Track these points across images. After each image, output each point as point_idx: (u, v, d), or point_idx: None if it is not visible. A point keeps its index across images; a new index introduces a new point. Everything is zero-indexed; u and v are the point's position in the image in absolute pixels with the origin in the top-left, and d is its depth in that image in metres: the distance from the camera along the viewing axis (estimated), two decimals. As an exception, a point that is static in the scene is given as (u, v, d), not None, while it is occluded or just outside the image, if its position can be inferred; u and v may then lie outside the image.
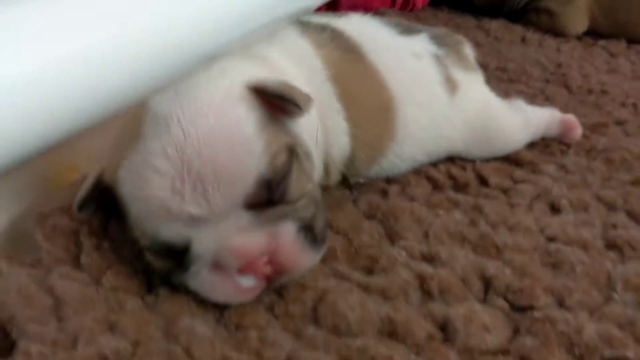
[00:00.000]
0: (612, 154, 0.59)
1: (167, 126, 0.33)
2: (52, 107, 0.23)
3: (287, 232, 0.35)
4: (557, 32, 1.08)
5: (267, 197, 0.35)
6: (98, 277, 0.36)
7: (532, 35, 1.07)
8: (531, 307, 0.37)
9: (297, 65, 0.43)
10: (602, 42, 1.04)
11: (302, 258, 0.36)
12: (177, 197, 0.32)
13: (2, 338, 0.32)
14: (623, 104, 0.75)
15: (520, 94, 0.69)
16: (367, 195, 0.49)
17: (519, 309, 0.37)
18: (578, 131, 0.61)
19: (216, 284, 0.34)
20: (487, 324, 0.35)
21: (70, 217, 0.40)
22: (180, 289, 0.36)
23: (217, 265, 0.34)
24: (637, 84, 0.83)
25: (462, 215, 0.47)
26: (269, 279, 0.35)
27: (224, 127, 0.34)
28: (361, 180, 0.51)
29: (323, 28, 0.49)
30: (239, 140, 0.34)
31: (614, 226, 0.47)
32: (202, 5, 0.31)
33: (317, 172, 0.42)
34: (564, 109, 0.64)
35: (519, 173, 0.55)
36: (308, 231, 0.36)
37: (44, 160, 0.47)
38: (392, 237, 0.44)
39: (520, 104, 0.60)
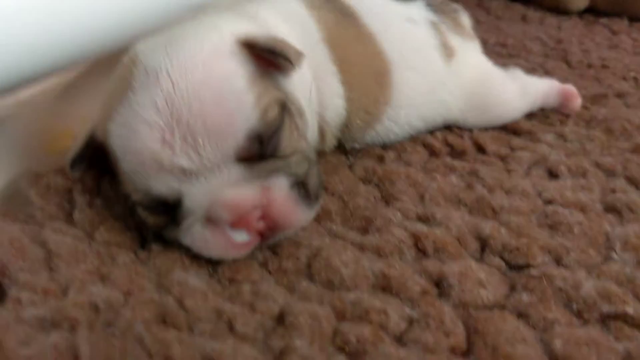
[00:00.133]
0: (612, 123, 0.58)
1: (156, 79, 0.33)
2: (35, 42, 0.23)
3: (280, 186, 0.35)
4: (558, 9, 1.07)
5: (259, 151, 0.34)
6: (91, 232, 0.36)
7: (533, 14, 1.06)
8: (528, 265, 0.37)
9: (289, 24, 0.43)
10: (603, 20, 1.03)
11: (295, 214, 0.35)
12: (168, 149, 0.32)
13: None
14: (624, 78, 0.74)
15: (519, 67, 0.68)
16: (363, 161, 0.49)
17: (516, 267, 0.37)
18: (578, 101, 0.60)
19: (209, 238, 0.34)
20: (482, 280, 0.35)
21: (64, 176, 0.40)
22: (173, 245, 0.36)
23: (210, 220, 0.34)
24: (639, 59, 0.82)
25: (458, 180, 0.47)
26: (262, 236, 0.35)
27: (213, 80, 0.33)
28: (357, 146, 0.50)
29: None
30: (228, 93, 0.33)
31: (613, 191, 0.46)
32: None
33: (311, 133, 0.41)
34: (564, 82, 0.63)
35: (516, 141, 0.55)
36: (301, 187, 0.36)
37: (39, 127, 0.47)
38: (388, 199, 0.44)
39: (518, 73, 0.59)
